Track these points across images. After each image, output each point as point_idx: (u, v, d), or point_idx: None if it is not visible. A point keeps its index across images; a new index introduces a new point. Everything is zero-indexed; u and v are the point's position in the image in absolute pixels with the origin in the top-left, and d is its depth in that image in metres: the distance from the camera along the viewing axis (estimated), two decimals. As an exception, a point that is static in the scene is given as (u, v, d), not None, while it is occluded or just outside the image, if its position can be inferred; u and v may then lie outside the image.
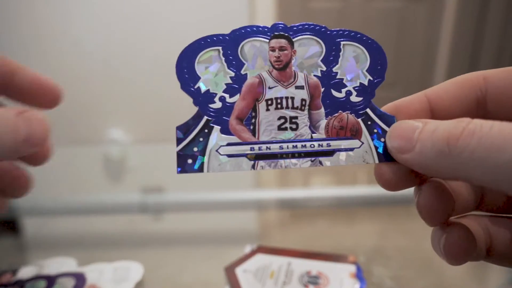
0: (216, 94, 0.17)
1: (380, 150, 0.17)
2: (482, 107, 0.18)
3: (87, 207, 0.55)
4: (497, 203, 0.20)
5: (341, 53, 0.17)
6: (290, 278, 0.27)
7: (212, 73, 0.17)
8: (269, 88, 0.17)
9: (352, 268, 0.28)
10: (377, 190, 0.44)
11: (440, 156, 0.14)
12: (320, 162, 0.17)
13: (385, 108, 0.18)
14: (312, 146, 0.17)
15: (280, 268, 0.28)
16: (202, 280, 0.39)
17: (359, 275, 0.27)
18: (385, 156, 0.17)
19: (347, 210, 0.52)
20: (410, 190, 0.18)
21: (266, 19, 2.64)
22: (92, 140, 1.37)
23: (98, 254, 0.40)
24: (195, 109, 0.18)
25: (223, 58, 0.18)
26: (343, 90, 0.17)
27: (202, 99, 0.17)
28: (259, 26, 0.18)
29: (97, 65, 1.39)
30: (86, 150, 1.43)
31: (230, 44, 0.18)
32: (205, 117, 0.17)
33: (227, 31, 0.18)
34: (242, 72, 0.17)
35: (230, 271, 0.27)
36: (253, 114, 0.17)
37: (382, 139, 0.17)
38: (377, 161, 0.17)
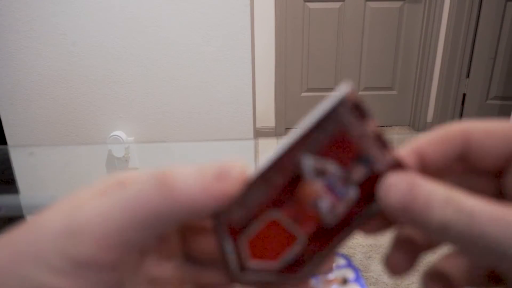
0: None
1: None
2: (463, 159, 0.19)
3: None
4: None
5: None
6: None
7: None
8: None
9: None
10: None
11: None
12: None
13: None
14: None
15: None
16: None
17: (349, 263, 0.28)
18: None
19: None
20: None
21: (266, 18, 2.65)
22: (95, 141, 1.39)
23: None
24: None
25: None
26: None
27: None
28: None
29: (98, 66, 1.40)
30: (89, 151, 1.45)
31: None
32: None
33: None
34: None
35: None
36: None
37: None
38: None
